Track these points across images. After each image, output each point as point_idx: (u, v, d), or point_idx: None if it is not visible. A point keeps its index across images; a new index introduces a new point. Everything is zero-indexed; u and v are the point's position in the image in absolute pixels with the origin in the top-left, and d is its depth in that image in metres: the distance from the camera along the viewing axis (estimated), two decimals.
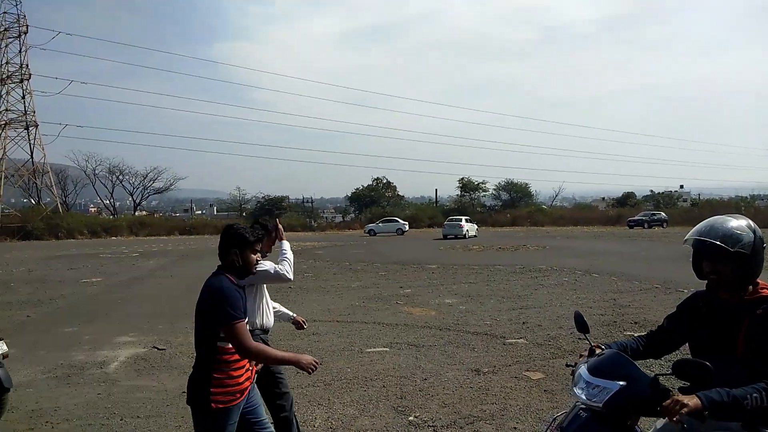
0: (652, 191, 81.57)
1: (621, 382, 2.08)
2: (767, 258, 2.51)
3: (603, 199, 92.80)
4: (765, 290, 2.24)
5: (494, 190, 78.69)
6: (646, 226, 51.50)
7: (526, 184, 79.67)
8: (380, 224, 50.59)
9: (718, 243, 2.21)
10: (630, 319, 9.15)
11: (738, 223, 2.26)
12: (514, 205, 75.67)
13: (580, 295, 11.83)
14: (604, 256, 22.19)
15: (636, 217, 54.52)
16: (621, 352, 2.42)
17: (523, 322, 9.05)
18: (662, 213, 56.34)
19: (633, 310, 10.03)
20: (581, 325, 2.68)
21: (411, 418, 4.98)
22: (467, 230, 41.55)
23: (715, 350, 2.21)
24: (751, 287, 2.26)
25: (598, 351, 2.42)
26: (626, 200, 76.73)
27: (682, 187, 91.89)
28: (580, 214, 70.74)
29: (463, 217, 45.38)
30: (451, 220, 44.87)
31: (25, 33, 54.92)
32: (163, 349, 7.78)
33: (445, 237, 40.99)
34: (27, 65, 55.42)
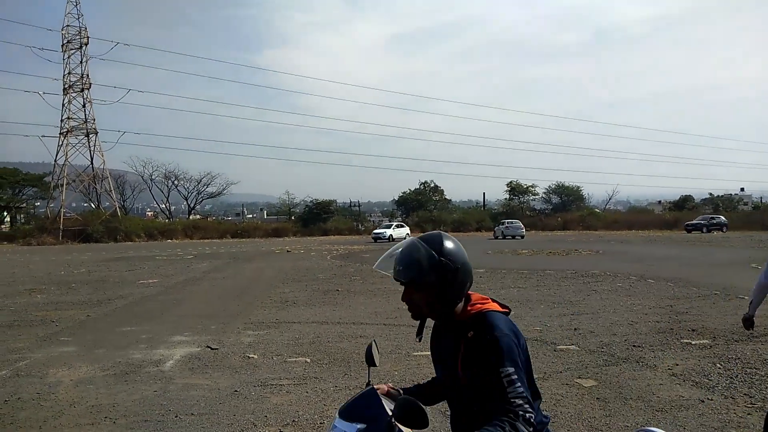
0: (711, 194, 78.55)
1: (360, 425, 1.85)
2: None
3: (659, 202, 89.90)
4: (477, 306, 1.97)
5: (544, 193, 77.36)
6: (704, 230, 49.67)
7: (578, 187, 78.05)
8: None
9: (395, 274, 1.95)
10: (687, 327, 8.82)
11: (422, 247, 1.92)
12: (566, 208, 74.18)
13: (635, 301, 11.48)
14: (660, 261, 21.49)
15: (694, 221, 52.67)
16: (411, 392, 2.22)
17: (575, 329, 8.84)
18: (722, 217, 54.22)
19: (691, 317, 9.66)
20: (369, 357, 2.30)
21: None
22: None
23: (451, 379, 1.98)
24: (462, 305, 1.99)
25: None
26: (684, 203, 74.14)
27: (743, 189, 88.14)
28: (635, 217, 68.77)
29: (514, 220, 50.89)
30: (510, 222, 49.94)
31: (86, 44, 57.44)
32: (216, 349, 7.96)
33: (504, 237, 46.39)
34: (87, 75, 58.00)
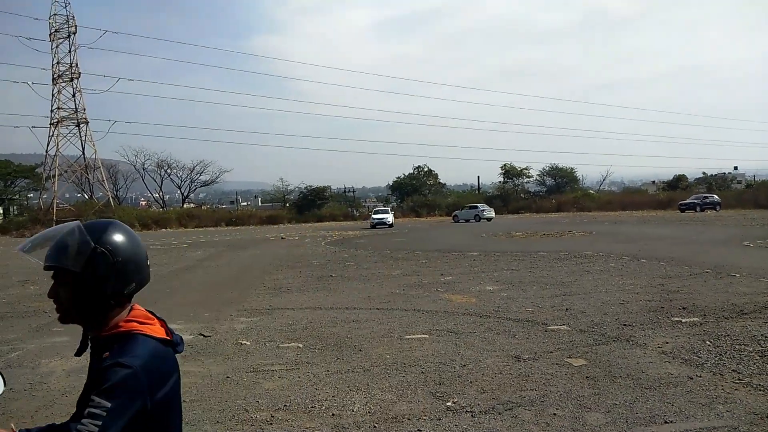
0: (704, 173, 78.81)
1: None
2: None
3: (653, 182, 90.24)
4: (132, 324, 1.59)
5: (538, 175, 77.44)
6: (698, 209, 49.90)
7: (572, 168, 78.18)
8: (463, 210, 51.19)
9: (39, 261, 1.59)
10: (678, 305, 8.87)
11: (78, 231, 1.59)
12: (560, 190, 74.34)
13: (627, 281, 11.54)
14: (653, 240, 21.58)
15: (687, 201, 52.93)
16: None
17: (566, 309, 8.89)
18: (715, 196, 54.43)
19: (682, 295, 9.72)
20: None
21: (449, 403, 4.97)
22: (484, 212, 49.00)
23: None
24: (119, 318, 1.61)
25: None
26: (677, 183, 74.44)
27: (736, 168, 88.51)
28: (629, 198, 69.01)
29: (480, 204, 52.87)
30: (470, 206, 51.48)
31: (74, 33, 56.90)
32: (208, 336, 7.97)
33: (465, 220, 48.21)
34: (76, 64, 57.46)
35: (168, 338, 1.64)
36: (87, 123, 58.17)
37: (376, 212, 47.27)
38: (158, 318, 1.68)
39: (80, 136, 58.05)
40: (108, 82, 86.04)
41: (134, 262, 1.62)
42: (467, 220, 48.54)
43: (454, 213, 52.58)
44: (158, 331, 1.63)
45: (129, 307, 1.65)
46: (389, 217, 44.88)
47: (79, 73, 57.33)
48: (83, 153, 58.87)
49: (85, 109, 58.22)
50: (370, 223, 45.03)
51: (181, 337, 1.73)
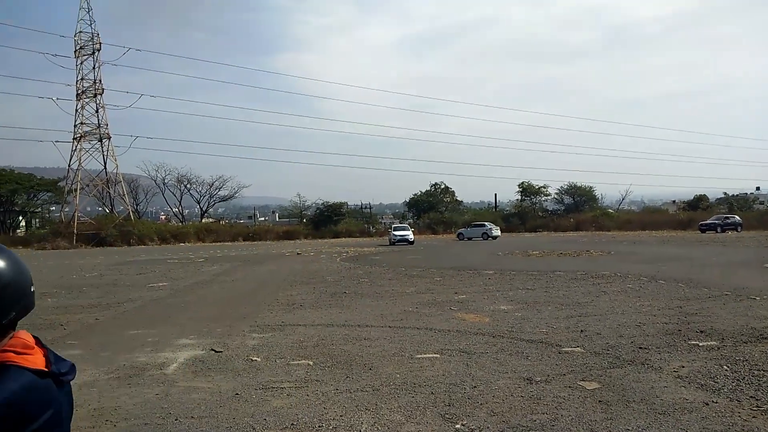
0: (725, 194, 77.71)
1: None
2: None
3: (674, 202, 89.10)
4: (7, 354, 1.44)
5: (556, 194, 76.97)
6: (719, 230, 49.16)
7: (591, 187, 77.57)
8: (468, 228, 50.95)
9: None
10: (696, 328, 8.70)
11: None
12: (578, 209, 73.75)
13: (644, 303, 11.36)
14: (672, 261, 21.27)
15: (708, 221, 52.16)
16: None
17: (581, 330, 8.76)
18: (736, 216, 53.60)
19: (700, 318, 9.54)
20: None
21: (458, 426, 4.90)
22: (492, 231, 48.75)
23: None
24: None
25: None
26: (698, 203, 73.38)
27: (758, 188, 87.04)
28: (649, 217, 68.22)
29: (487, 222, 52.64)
30: (475, 225, 51.59)
31: (99, 50, 58.15)
32: (220, 352, 7.98)
33: (468, 238, 48.23)
34: (100, 80, 58.73)
35: (46, 369, 1.47)
36: (109, 138, 59.26)
37: (396, 229, 46.24)
38: (42, 346, 1.53)
39: (102, 151, 59.17)
40: (131, 98, 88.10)
41: (15, 288, 1.49)
42: (470, 238, 48.58)
43: (458, 231, 52.08)
44: (36, 362, 1.47)
45: (11, 335, 1.50)
46: (410, 234, 44.12)
47: (103, 89, 58.59)
48: (105, 167, 59.95)
49: (107, 125, 59.40)
50: (390, 239, 44.18)
51: (72, 365, 1.57)
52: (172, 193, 73.60)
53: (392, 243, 42.51)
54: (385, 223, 77.03)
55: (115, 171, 60.58)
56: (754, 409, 5.14)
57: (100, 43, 58.39)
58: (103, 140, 58.97)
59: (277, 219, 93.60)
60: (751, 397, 5.48)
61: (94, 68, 58.27)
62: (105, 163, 59.64)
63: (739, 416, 4.96)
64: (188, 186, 72.66)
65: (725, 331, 8.46)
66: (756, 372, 6.28)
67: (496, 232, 49.35)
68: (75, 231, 53.07)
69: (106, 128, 59.03)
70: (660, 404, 5.30)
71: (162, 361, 7.56)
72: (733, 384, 5.89)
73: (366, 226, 69.37)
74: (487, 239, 47.22)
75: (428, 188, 75.92)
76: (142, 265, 26.72)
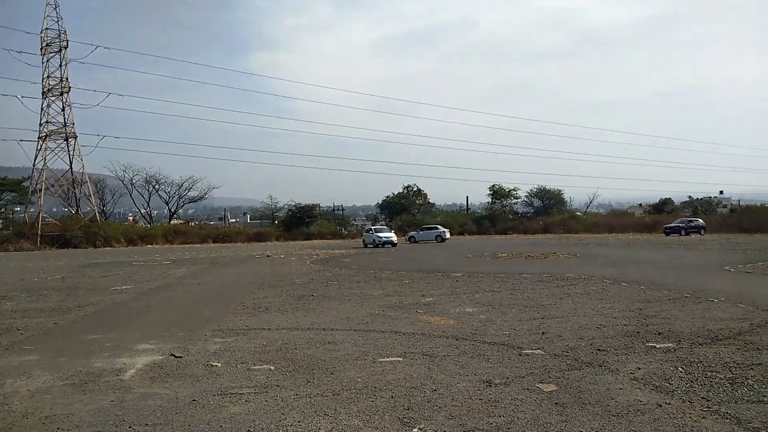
0: (690, 197, 79.73)
1: None
2: None
3: (640, 205, 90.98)
4: None
5: (526, 197, 77.97)
6: (683, 233, 50.34)
7: (560, 190, 78.82)
8: (420, 231, 50.76)
9: None
10: (654, 330, 8.88)
11: None
12: (547, 212, 74.82)
13: (606, 305, 11.55)
14: (636, 264, 21.69)
15: (673, 224, 53.40)
16: None
17: (543, 333, 8.87)
18: (700, 220, 55.01)
19: (659, 320, 9.74)
20: None
21: (415, 430, 4.91)
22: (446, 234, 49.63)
23: None
24: None
25: None
26: (663, 206, 75.14)
27: (722, 192, 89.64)
28: (616, 220, 69.55)
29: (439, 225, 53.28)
30: (427, 228, 52.19)
31: (66, 47, 56.93)
32: (180, 357, 7.85)
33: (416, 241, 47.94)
34: (67, 78, 57.47)
35: None
36: (75, 137, 58.04)
37: (380, 231, 45.26)
38: None
39: (68, 151, 57.90)
40: (98, 96, 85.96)
41: None
42: (417, 241, 48.47)
43: (410, 234, 51.39)
44: None
45: None
46: (394, 237, 43.54)
47: (69, 87, 57.36)
48: (71, 167, 58.61)
49: (74, 124, 58.14)
50: (366, 241, 43.15)
51: None
52: (140, 194, 72.48)
53: (376, 245, 41.62)
54: (357, 225, 77.02)
55: (81, 171, 59.37)
56: (705, 410, 5.26)
57: (67, 41, 57.23)
58: (69, 139, 57.71)
59: (249, 221, 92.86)
60: (702, 398, 5.60)
61: (60, 66, 57.07)
62: (71, 163, 58.39)
63: (690, 417, 5.07)
64: (157, 186, 71.66)
65: (682, 333, 8.65)
66: (709, 373, 6.43)
67: (447, 234, 50.07)
68: (39, 232, 51.80)
69: (72, 127, 57.81)
70: (615, 406, 5.39)
71: (119, 367, 7.40)
72: (687, 385, 6.02)
73: (338, 228, 69.24)
74: (442, 241, 47.74)
75: (401, 190, 76.21)
76: (106, 267, 26.21)
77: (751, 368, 6.60)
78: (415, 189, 76.28)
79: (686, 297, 12.35)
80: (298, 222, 65.74)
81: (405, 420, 5.16)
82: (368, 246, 42.26)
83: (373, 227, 50.41)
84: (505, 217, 73.46)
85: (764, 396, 5.61)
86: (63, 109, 57.33)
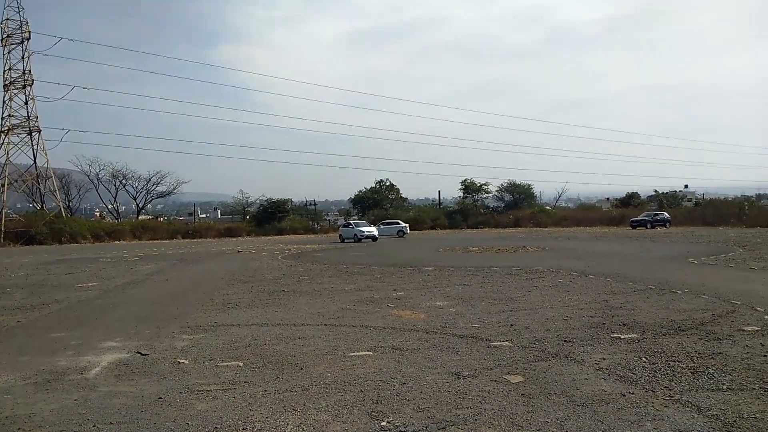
0: (656, 191, 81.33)
1: None
2: None
3: (607, 199, 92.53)
4: None
5: (497, 191, 78.65)
6: (649, 226, 51.33)
7: (529, 185, 79.70)
8: (381, 226, 50.70)
9: None
10: (619, 321, 9.06)
11: None
12: (517, 206, 75.58)
13: (573, 297, 11.74)
14: (602, 257, 22.08)
15: (639, 218, 54.40)
16: None
17: (511, 325, 8.98)
18: (665, 213, 56.18)
19: (624, 311, 9.94)
20: None
21: (383, 423, 4.93)
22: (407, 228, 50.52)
23: None
24: None
25: None
26: (630, 200, 76.48)
27: (686, 186, 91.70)
28: (584, 214, 70.64)
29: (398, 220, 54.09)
30: (387, 222, 52.33)
31: (28, 39, 55.40)
32: (146, 354, 7.73)
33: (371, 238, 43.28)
34: (30, 71, 55.92)
35: None
36: (39, 131, 56.49)
37: (360, 225, 45.04)
38: None
39: (32, 145, 56.31)
40: (63, 90, 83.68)
41: None
42: (371, 238, 45.14)
43: (378, 224, 51.13)
44: None
45: None
46: (375, 231, 43.56)
47: (33, 80, 55.79)
48: (35, 162, 57.08)
49: (37, 117, 56.58)
50: (354, 235, 42.04)
51: None
52: (107, 189, 71.07)
53: (358, 240, 41.36)
54: (330, 220, 76.79)
55: (45, 166, 57.79)
56: (667, 398, 5.39)
57: (30, 32, 55.60)
58: (33, 133, 56.14)
59: (219, 216, 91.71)
60: (665, 387, 5.73)
61: (23, 58, 55.43)
62: (35, 158, 56.81)
63: (653, 406, 5.19)
64: (124, 181, 70.37)
65: (646, 323, 8.84)
66: (672, 363, 6.59)
67: (407, 230, 50.71)
68: (2, 228, 50.42)
69: (35, 121, 56.26)
70: (579, 396, 5.48)
71: (84, 365, 7.26)
72: (650, 375, 6.16)
73: (310, 223, 68.91)
74: (403, 236, 48.11)
75: (373, 185, 76.20)
76: (72, 264, 25.64)
77: (712, 357, 6.78)
78: (387, 183, 76.37)
79: (651, 289, 12.62)
80: (270, 217, 65.22)
81: (374, 414, 5.17)
82: (346, 240, 41.99)
83: (352, 221, 49.96)
84: (477, 211, 74.02)
85: (723, 384, 5.78)
86: (26, 102, 55.77)
